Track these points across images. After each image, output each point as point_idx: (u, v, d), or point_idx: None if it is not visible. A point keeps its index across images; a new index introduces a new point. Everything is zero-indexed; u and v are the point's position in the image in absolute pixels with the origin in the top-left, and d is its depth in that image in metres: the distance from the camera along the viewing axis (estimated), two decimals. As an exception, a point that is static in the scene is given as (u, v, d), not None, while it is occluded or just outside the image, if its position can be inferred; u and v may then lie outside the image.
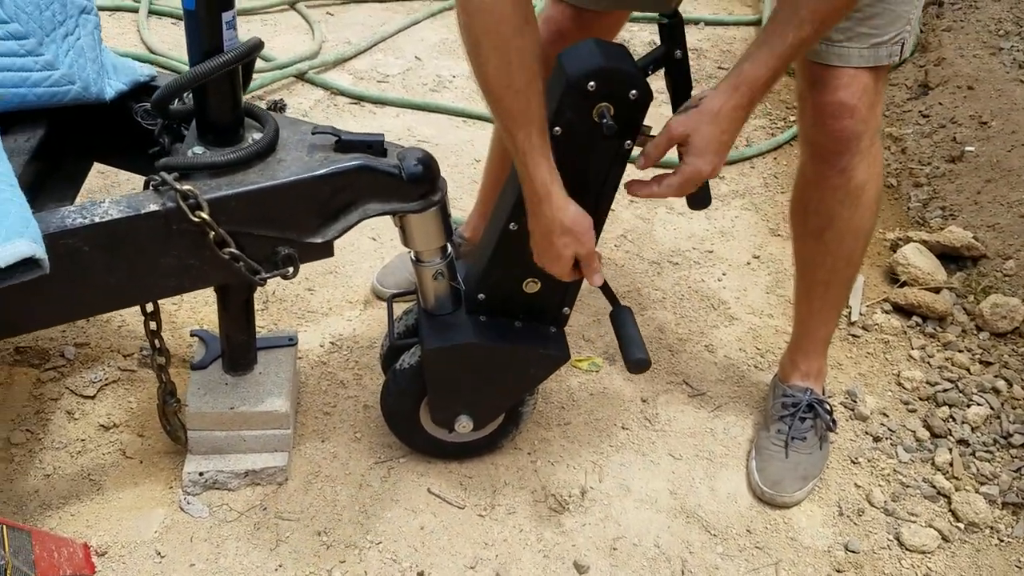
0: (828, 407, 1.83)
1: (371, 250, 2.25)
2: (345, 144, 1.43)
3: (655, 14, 1.54)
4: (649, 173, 1.41)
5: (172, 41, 3.03)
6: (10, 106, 1.43)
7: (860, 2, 1.45)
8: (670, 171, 1.39)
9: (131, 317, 1.98)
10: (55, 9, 1.48)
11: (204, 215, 1.32)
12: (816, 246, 1.71)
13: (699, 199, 1.54)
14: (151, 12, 3.16)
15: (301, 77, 2.89)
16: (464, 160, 2.60)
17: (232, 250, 1.37)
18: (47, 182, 1.54)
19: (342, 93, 2.84)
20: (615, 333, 1.55)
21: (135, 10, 3.15)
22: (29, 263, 1.19)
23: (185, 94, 1.47)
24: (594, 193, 1.47)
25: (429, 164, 1.45)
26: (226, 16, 1.31)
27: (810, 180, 1.65)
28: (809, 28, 1.29)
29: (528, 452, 1.80)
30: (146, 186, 1.36)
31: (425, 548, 1.62)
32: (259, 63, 2.73)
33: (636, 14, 3.11)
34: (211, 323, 1.95)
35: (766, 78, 1.31)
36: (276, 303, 2.07)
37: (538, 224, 1.41)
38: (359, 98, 2.83)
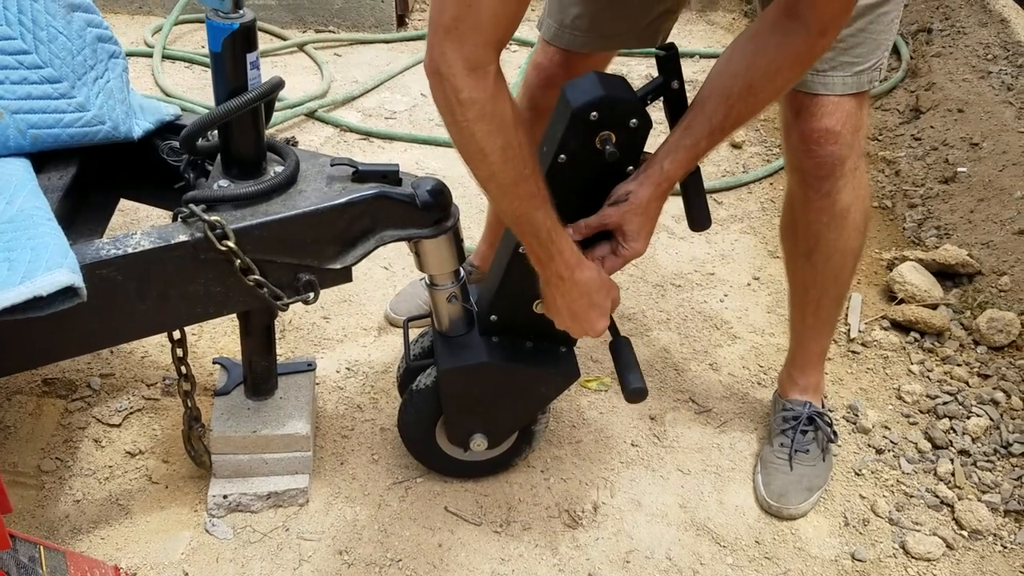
0: (828, 419, 1.89)
1: (384, 279, 2.32)
2: (362, 174, 1.50)
3: (649, 48, 1.64)
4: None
5: (186, 84, 3.13)
6: (45, 146, 1.51)
7: (843, 33, 1.52)
8: (612, 252, 1.48)
9: (153, 349, 2.05)
10: (86, 54, 1.57)
11: (231, 244, 1.39)
12: (805, 266, 1.77)
13: (700, 220, 1.61)
14: (165, 56, 3.26)
15: (311, 115, 2.98)
16: (471, 190, 2.68)
17: (256, 277, 1.44)
18: (78, 217, 1.61)
19: (351, 130, 2.93)
20: (614, 363, 1.61)
21: (149, 55, 3.25)
22: (68, 292, 1.25)
23: (210, 131, 1.54)
24: (599, 217, 1.54)
25: (442, 191, 1.52)
26: (250, 57, 1.39)
27: (797, 204, 1.71)
28: (724, 130, 1.38)
29: (541, 470, 1.86)
30: (175, 218, 1.43)
31: (444, 564, 1.67)
32: (271, 103, 2.82)
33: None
34: (231, 353, 2.02)
35: (683, 172, 1.43)
36: (293, 331, 2.14)
37: (574, 293, 1.43)
38: (368, 134, 2.92)
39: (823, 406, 1.92)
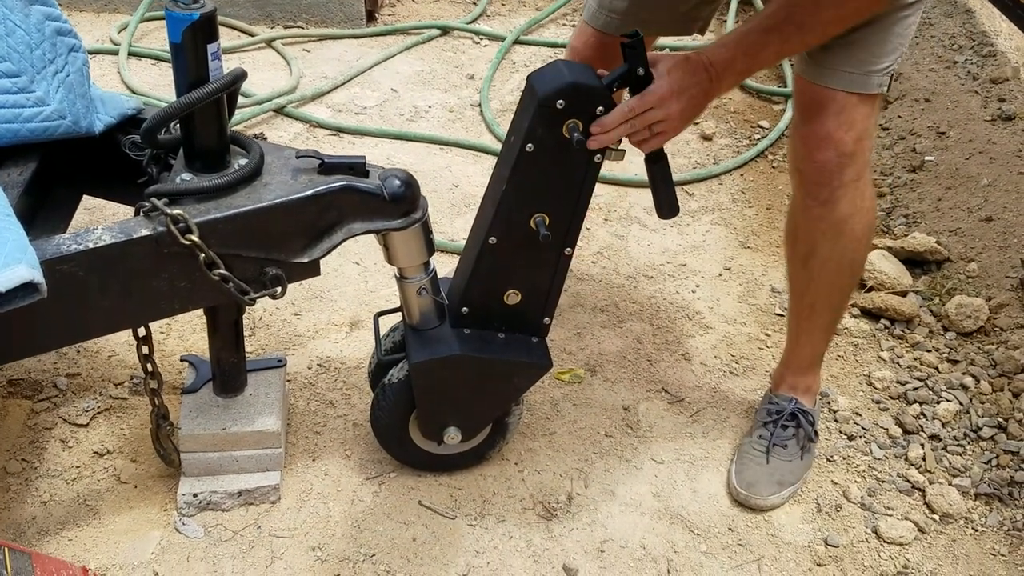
0: (812, 418, 1.87)
1: (355, 275, 2.31)
2: (328, 166, 1.49)
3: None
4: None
5: (152, 81, 3.09)
6: (3, 141, 1.48)
7: (861, 31, 1.51)
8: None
9: (120, 347, 2.02)
10: (45, 48, 1.54)
11: (194, 238, 1.37)
12: (802, 271, 1.77)
13: (668, 208, 1.61)
14: (131, 54, 3.22)
15: (280, 111, 2.95)
16: (443, 185, 2.67)
17: (222, 271, 1.42)
18: (39, 214, 1.59)
19: (321, 125, 2.90)
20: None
21: (115, 52, 3.21)
22: (28, 288, 1.23)
23: (172, 124, 1.52)
24: (569, 206, 1.54)
25: (410, 183, 1.51)
26: (211, 48, 1.37)
27: (797, 208, 1.71)
28: (783, 35, 1.41)
29: (515, 462, 1.85)
30: (137, 212, 1.41)
31: (418, 559, 1.66)
32: (239, 99, 2.79)
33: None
34: (199, 350, 1.99)
35: (726, 56, 1.43)
36: (263, 328, 2.12)
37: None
38: (338, 130, 2.89)
39: (814, 406, 1.90)
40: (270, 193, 1.45)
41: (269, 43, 3.37)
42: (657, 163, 1.54)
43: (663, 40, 3.25)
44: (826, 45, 1.53)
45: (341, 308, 2.21)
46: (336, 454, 1.84)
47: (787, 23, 1.39)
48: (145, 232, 1.36)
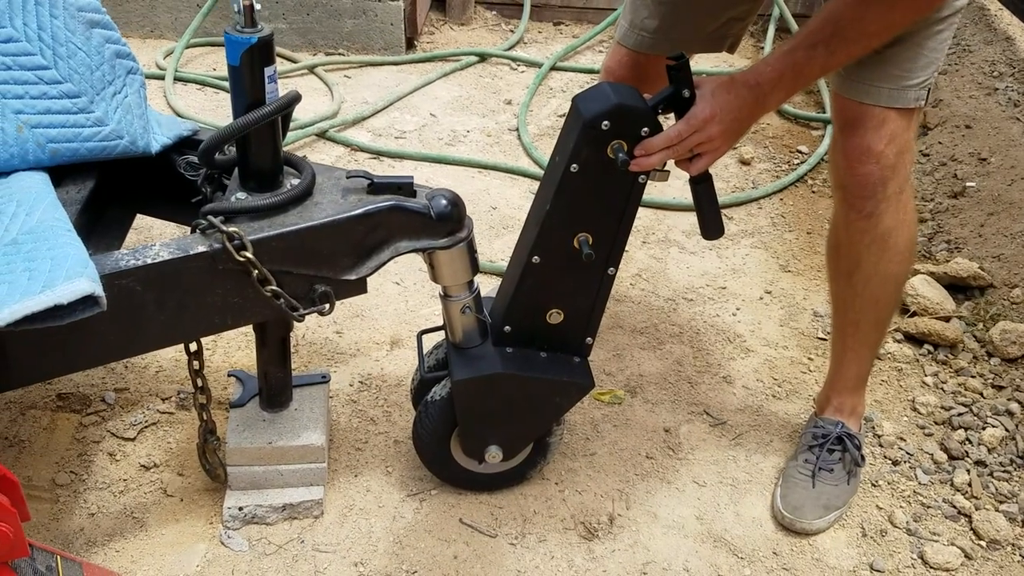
0: (858, 442, 1.86)
1: (396, 294, 2.33)
2: (377, 186, 1.52)
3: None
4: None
5: (198, 106, 3.17)
6: (63, 160, 1.53)
7: (896, 47, 1.52)
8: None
9: (167, 363, 2.06)
10: (104, 70, 1.59)
11: (249, 255, 1.40)
12: (846, 287, 1.76)
13: (712, 229, 1.61)
14: (176, 79, 3.30)
15: (322, 135, 3.01)
16: (480, 208, 2.70)
17: (274, 288, 1.45)
18: (95, 232, 1.63)
19: (362, 149, 2.95)
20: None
21: (161, 77, 3.29)
22: (88, 301, 1.27)
23: (228, 145, 1.56)
24: (612, 226, 1.55)
25: (456, 203, 1.54)
26: (268, 71, 1.41)
27: (840, 223, 1.71)
28: (830, 48, 1.42)
29: (556, 482, 1.85)
30: (193, 230, 1.44)
31: (459, 576, 1.67)
32: (283, 122, 2.84)
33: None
34: (245, 366, 2.02)
35: (774, 76, 1.44)
36: (307, 346, 2.14)
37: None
38: (378, 153, 2.94)
39: (859, 430, 1.89)
40: (321, 212, 1.48)
41: (311, 69, 3.44)
42: (701, 184, 1.55)
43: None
44: (860, 61, 1.54)
45: (382, 327, 2.23)
46: (378, 470, 1.85)
47: (834, 36, 1.40)
48: (201, 249, 1.40)
